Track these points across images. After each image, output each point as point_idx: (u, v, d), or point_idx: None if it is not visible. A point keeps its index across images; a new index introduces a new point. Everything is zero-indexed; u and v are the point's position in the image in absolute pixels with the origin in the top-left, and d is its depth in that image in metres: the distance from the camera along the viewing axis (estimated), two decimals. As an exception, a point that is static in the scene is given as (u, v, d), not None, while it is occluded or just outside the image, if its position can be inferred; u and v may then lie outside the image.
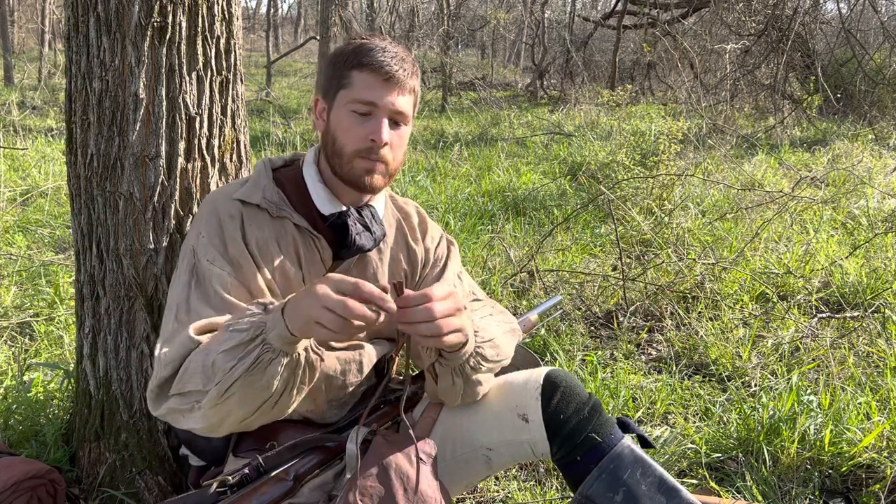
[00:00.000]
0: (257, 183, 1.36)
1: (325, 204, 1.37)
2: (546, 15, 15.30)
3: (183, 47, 1.49)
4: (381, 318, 1.06)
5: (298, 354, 1.14)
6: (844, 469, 1.99)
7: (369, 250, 1.40)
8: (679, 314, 2.99)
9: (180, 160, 1.53)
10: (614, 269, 3.62)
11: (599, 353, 2.66)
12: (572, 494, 1.34)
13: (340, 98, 1.32)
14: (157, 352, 1.25)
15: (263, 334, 1.11)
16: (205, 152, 1.57)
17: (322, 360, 1.21)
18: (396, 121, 1.33)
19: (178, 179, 1.53)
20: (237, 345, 1.11)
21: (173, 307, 1.28)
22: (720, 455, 2.05)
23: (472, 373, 1.33)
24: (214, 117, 1.57)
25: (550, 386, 1.37)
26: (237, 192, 1.35)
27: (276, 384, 1.13)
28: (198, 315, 1.23)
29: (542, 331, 2.75)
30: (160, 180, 1.52)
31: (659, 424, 2.25)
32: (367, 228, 1.38)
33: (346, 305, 1.03)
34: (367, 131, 1.29)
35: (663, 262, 3.56)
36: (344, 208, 1.37)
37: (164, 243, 1.54)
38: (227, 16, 1.56)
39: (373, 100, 1.29)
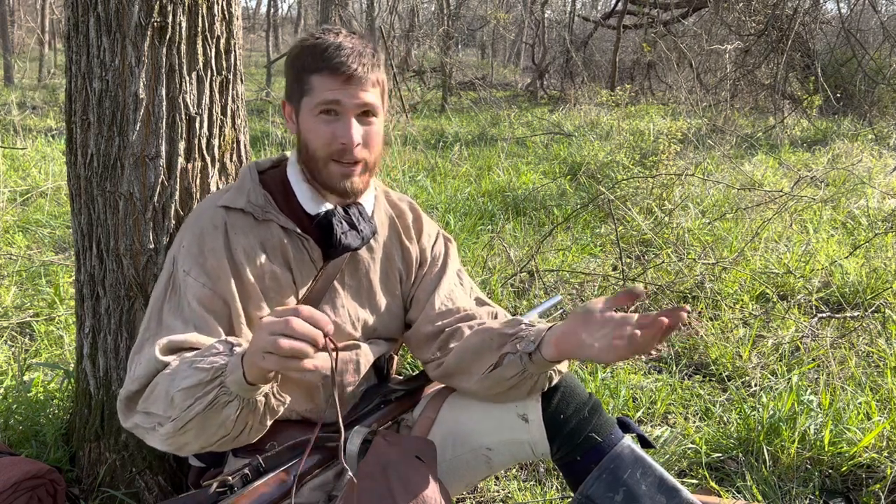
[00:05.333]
0: (241, 187, 1.36)
1: (310, 203, 1.36)
2: (546, 15, 15.30)
3: (183, 47, 1.49)
4: (325, 338, 1.02)
5: (256, 400, 1.13)
6: (844, 469, 1.99)
7: (357, 249, 1.39)
8: (679, 314, 2.98)
9: (180, 160, 1.53)
10: (614, 269, 3.62)
11: (599, 353, 2.66)
12: (572, 494, 1.34)
13: (305, 104, 1.30)
14: (129, 360, 1.26)
15: (222, 377, 1.10)
16: (205, 152, 1.57)
17: (285, 404, 1.20)
18: (366, 113, 1.30)
19: (178, 179, 1.53)
20: (196, 384, 1.10)
21: (148, 316, 1.29)
22: (720, 455, 2.05)
23: (540, 383, 1.33)
24: (214, 117, 1.57)
25: (551, 386, 1.37)
26: (221, 199, 1.34)
27: (232, 425, 1.13)
28: (167, 328, 1.23)
29: (542, 331, 2.74)
30: (160, 180, 1.52)
31: (659, 424, 2.25)
32: (354, 227, 1.36)
33: (288, 324, 1.00)
34: (336, 134, 1.28)
35: (663, 262, 3.56)
36: (330, 207, 1.36)
37: (164, 243, 1.54)
38: (227, 16, 1.56)
39: (336, 98, 1.26)
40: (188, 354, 1.18)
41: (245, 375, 1.07)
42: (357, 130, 1.28)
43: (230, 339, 1.17)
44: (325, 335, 1.02)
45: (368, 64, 1.28)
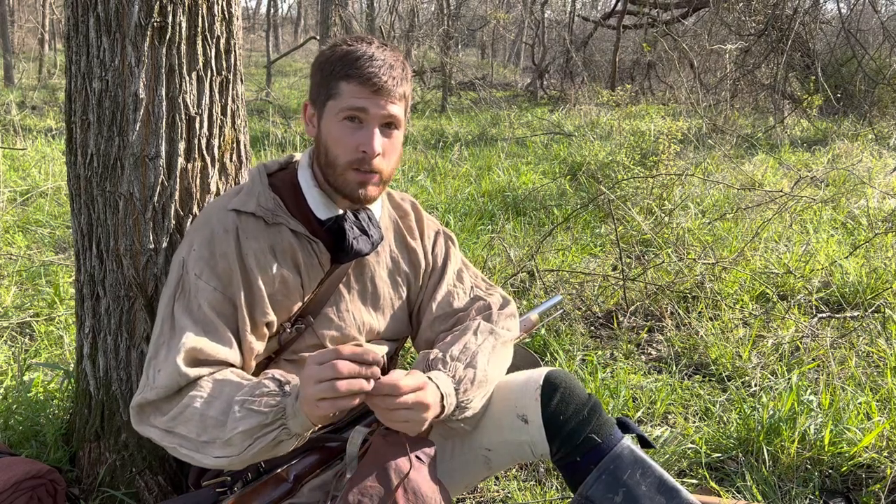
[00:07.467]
0: (252, 190, 1.35)
1: (321, 208, 1.36)
2: (546, 15, 15.29)
3: (183, 47, 1.49)
4: (374, 368, 1.09)
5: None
6: (844, 469, 1.99)
7: (367, 254, 1.39)
8: (679, 314, 2.99)
9: (180, 160, 1.53)
10: (614, 269, 3.62)
11: (599, 353, 2.66)
12: (572, 495, 1.34)
13: (329, 108, 1.29)
14: (146, 365, 1.26)
15: (283, 419, 1.14)
16: (205, 152, 1.57)
17: (317, 431, 1.28)
18: (389, 124, 1.31)
19: (178, 179, 1.53)
20: (256, 426, 1.14)
21: (160, 320, 1.29)
22: (720, 455, 2.05)
23: (458, 416, 1.31)
24: (214, 117, 1.57)
25: (550, 387, 1.37)
26: (231, 202, 1.34)
27: (281, 453, 1.19)
28: (181, 330, 1.24)
29: (542, 331, 2.75)
30: (160, 180, 1.51)
31: (659, 424, 2.25)
32: (365, 232, 1.37)
33: (335, 367, 1.06)
34: (358, 141, 1.28)
35: (663, 262, 3.56)
36: (340, 212, 1.37)
37: (164, 243, 1.54)
38: (227, 16, 1.56)
39: (363, 106, 1.27)
40: (220, 375, 1.21)
41: (310, 418, 1.12)
42: (379, 141, 1.28)
43: (276, 374, 1.20)
44: (375, 364, 1.09)
45: (398, 77, 1.29)
